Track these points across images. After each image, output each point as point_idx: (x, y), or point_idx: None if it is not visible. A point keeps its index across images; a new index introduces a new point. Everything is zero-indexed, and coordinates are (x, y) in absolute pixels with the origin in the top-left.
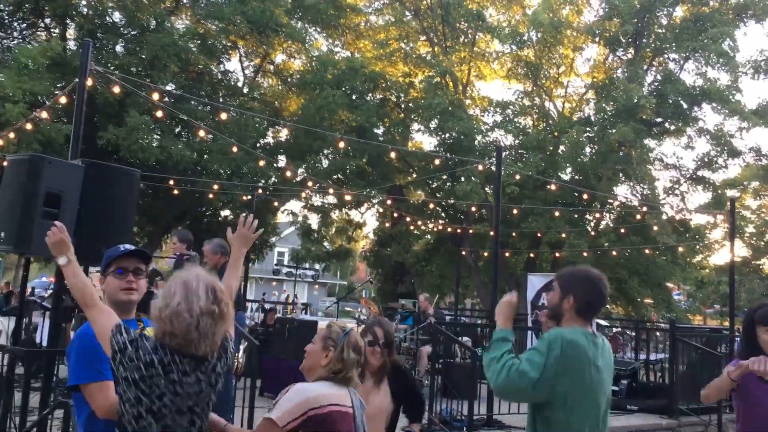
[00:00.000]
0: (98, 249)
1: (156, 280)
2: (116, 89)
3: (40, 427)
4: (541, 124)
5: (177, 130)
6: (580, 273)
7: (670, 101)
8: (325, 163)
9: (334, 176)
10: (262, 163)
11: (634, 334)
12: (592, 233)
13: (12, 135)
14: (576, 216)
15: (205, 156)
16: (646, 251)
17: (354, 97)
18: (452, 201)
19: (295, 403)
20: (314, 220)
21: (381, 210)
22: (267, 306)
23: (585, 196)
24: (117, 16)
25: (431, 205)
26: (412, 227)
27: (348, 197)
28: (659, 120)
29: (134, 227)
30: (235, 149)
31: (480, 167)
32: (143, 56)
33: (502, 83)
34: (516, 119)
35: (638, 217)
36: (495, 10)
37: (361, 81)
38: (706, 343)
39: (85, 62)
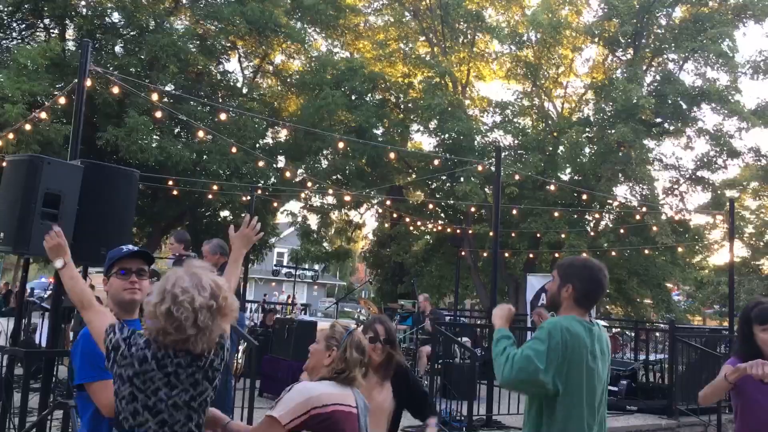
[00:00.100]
0: (97, 249)
1: (152, 281)
2: (115, 90)
3: (39, 427)
4: (540, 124)
5: (176, 130)
6: (580, 262)
7: (670, 101)
8: (325, 163)
9: (334, 177)
10: (261, 163)
11: (633, 334)
12: (592, 234)
13: (11, 135)
14: (575, 216)
15: (205, 156)
16: (646, 252)
17: (353, 98)
18: (451, 201)
19: (298, 402)
20: (314, 221)
21: (380, 210)
22: (267, 306)
23: (584, 197)
24: (116, 16)
25: (430, 206)
26: (411, 228)
27: (347, 198)
28: (658, 120)
29: (133, 228)
30: (234, 150)
31: (479, 168)
32: (142, 57)
33: (501, 84)
34: (515, 119)
35: (638, 217)
36: (494, 11)
37: (360, 81)
38: (705, 344)
39: (84, 63)
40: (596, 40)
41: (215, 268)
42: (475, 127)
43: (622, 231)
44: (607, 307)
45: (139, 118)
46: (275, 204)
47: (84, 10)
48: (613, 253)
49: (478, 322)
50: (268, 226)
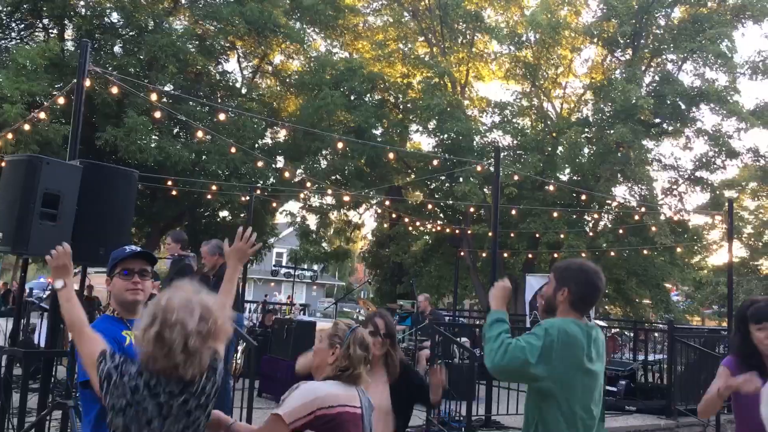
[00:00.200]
0: (96, 249)
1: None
2: (114, 90)
3: (38, 428)
4: (539, 124)
5: (175, 130)
6: (576, 265)
7: (668, 102)
8: (324, 163)
9: (333, 177)
10: (260, 163)
11: (632, 334)
12: (591, 234)
13: (10, 136)
14: (574, 217)
15: (204, 156)
16: (645, 252)
17: (352, 98)
18: (450, 202)
19: (304, 402)
20: (313, 221)
21: (379, 211)
22: (268, 307)
23: (583, 197)
24: (115, 16)
25: (429, 206)
26: (410, 228)
27: (346, 198)
28: (657, 121)
29: (132, 228)
30: (233, 150)
31: (478, 168)
32: (141, 57)
33: (500, 84)
34: (514, 120)
35: (636, 217)
36: (493, 11)
37: (359, 82)
38: (704, 344)
39: (83, 63)
40: (595, 40)
41: (213, 270)
42: (474, 128)
43: (621, 231)
44: (606, 307)
45: (138, 118)
46: (274, 204)
47: (83, 10)
48: (612, 254)
49: (477, 322)
50: (267, 227)
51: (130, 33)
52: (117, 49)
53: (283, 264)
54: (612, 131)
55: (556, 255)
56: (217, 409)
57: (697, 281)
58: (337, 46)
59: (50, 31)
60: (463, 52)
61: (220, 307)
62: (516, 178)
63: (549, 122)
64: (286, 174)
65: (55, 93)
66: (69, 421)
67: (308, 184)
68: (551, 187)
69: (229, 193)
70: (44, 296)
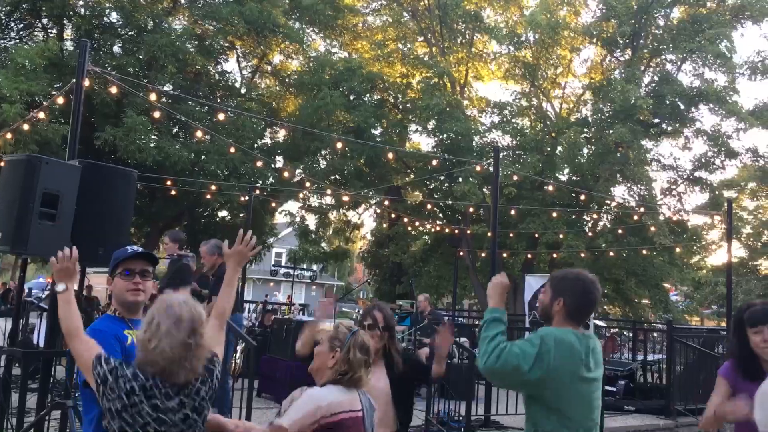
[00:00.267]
0: (95, 249)
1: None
2: (113, 90)
3: (37, 428)
4: (538, 124)
5: (174, 130)
6: (573, 275)
7: (668, 102)
8: (323, 163)
9: (332, 177)
10: (259, 163)
11: (631, 334)
12: (590, 234)
13: (9, 135)
14: (573, 217)
15: (203, 156)
16: (644, 252)
17: (351, 98)
18: (450, 202)
19: (307, 411)
20: (312, 221)
21: (379, 211)
22: (268, 307)
23: (582, 197)
24: (114, 16)
25: (429, 206)
26: (409, 228)
27: (346, 198)
28: (656, 121)
29: (131, 228)
30: (232, 150)
31: (477, 168)
32: (140, 56)
33: (499, 84)
34: (513, 120)
35: (635, 217)
36: (492, 11)
37: (358, 82)
38: (703, 344)
39: (82, 62)
40: (594, 40)
41: (212, 270)
42: (473, 128)
43: (620, 231)
44: (605, 307)
45: (137, 118)
46: (273, 204)
47: (82, 9)
48: (611, 254)
49: (476, 322)
50: (266, 227)
51: (130, 33)
52: (116, 48)
53: (283, 264)
54: (611, 131)
55: (555, 255)
56: (216, 409)
57: (696, 281)
58: (336, 46)
59: (49, 30)
60: (462, 52)
61: (221, 314)
62: (515, 178)
63: (548, 122)
64: (286, 174)
65: (54, 93)
66: (68, 421)
67: (307, 184)
68: (550, 187)
69: (229, 193)
70: (43, 296)
